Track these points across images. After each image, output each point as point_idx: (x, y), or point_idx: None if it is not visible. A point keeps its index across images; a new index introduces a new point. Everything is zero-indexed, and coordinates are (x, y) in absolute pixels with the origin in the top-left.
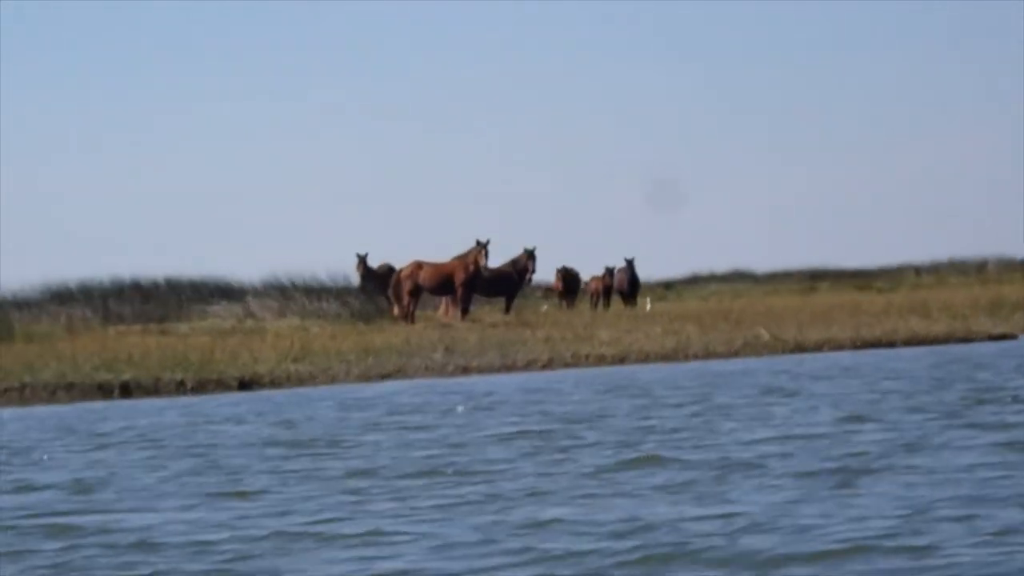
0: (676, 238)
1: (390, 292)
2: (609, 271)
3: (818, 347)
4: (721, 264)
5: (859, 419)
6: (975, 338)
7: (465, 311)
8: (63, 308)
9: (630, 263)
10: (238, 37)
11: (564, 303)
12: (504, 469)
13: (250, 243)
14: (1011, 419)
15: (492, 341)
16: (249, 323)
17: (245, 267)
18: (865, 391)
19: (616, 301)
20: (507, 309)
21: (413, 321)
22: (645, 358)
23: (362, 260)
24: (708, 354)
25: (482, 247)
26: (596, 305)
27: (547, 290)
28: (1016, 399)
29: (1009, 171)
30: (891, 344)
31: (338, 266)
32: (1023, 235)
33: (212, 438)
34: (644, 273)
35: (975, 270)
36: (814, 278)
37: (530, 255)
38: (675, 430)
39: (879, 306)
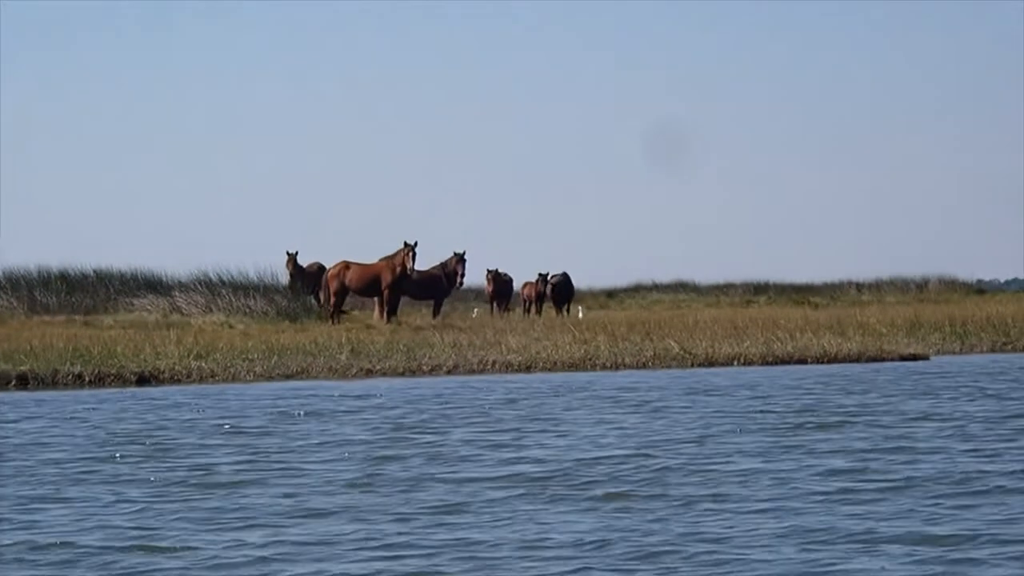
0: (622, 246)
1: (320, 292)
2: (542, 277)
3: (728, 361)
4: (666, 274)
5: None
6: (887, 357)
7: (391, 313)
8: None
9: (564, 273)
10: (169, 33)
11: (496, 308)
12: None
13: (181, 238)
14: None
15: (400, 344)
16: (175, 317)
17: (175, 261)
18: (701, 410)
19: (549, 308)
20: (435, 312)
21: (338, 321)
22: (552, 366)
23: (292, 258)
24: (616, 365)
25: (409, 249)
26: (528, 311)
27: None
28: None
29: (955, 193)
30: (802, 361)
31: (267, 263)
32: (964, 256)
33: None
34: (589, 280)
35: (916, 288)
36: (757, 291)
37: (460, 259)
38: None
39: (796, 322)
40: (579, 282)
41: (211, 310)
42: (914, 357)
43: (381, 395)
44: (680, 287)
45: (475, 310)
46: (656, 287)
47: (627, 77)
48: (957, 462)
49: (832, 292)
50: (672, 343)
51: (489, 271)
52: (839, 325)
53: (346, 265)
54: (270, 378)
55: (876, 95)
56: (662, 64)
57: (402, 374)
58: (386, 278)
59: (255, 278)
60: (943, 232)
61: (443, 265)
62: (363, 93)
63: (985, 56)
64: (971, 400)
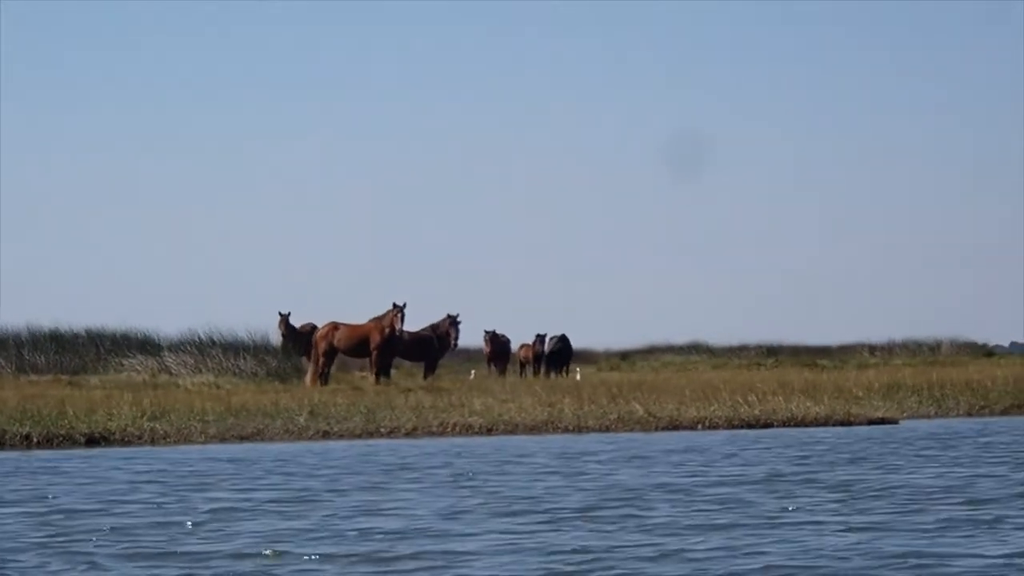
0: (639, 308)
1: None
2: (540, 338)
3: (693, 425)
4: (681, 336)
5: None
6: (855, 421)
7: (379, 374)
8: None
9: (563, 335)
10: (158, 93)
11: (494, 369)
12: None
13: (174, 298)
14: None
15: (360, 406)
16: (163, 378)
17: (168, 322)
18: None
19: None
20: (426, 374)
21: (326, 382)
22: (513, 429)
23: (284, 318)
24: (580, 427)
25: (398, 310)
26: (525, 372)
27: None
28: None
29: (970, 256)
30: (768, 425)
31: (260, 324)
32: (979, 318)
33: None
34: (605, 342)
35: (929, 351)
36: (770, 353)
37: (452, 321)
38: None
39: (771, 384)
40: (595, 344)
41: (200, 370)
42: (883, 421)
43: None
44: (693, 349)
45: (472, 372)
46: (670, 349)
47: (639, 131)
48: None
49: (844, 354)
50: (637, 406)
51: (487, 332)
52: (814, 389)
53: (335, 326)
54: (223, 440)
55: (898, 158)
56: (673, 120)
57: (359, 436)
58: (375, 339)
59: (246, 338)
60: (960, 294)
61: (434, 327)
62: (355, 151)
63: (1010, 120)
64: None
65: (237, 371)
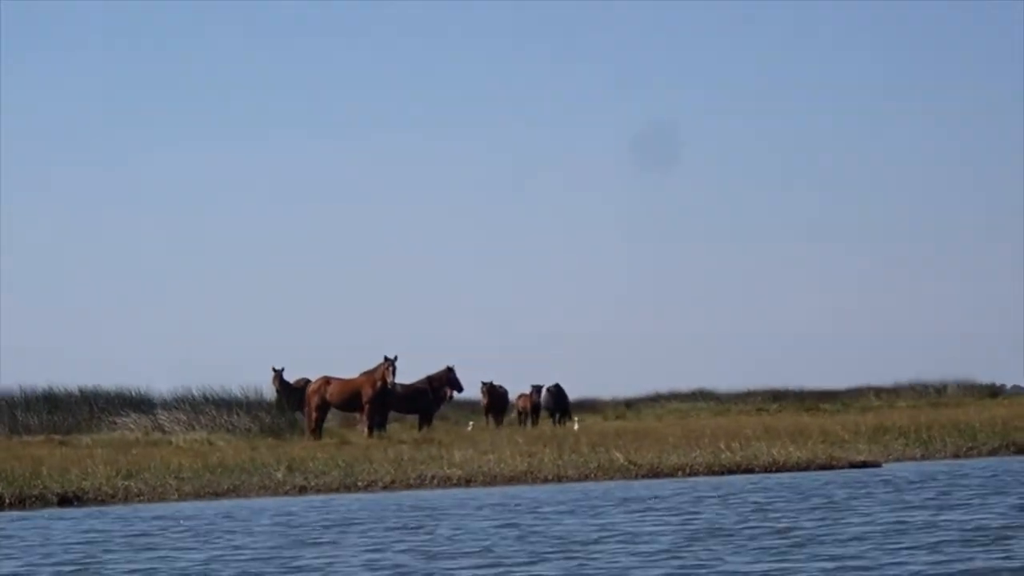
0: (643, 357)
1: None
2: (536, 388)
3: (673, 472)
4: (687, 383)
5: None
6: (837, 465)
7: (372, 428)
8: None
9: (557, 384)
10: (151, 145)
11: (491, 420)
12: None
13: (165, 355)
14: None
15: (339, 460)
16: (156, 435)
17: (161, 379)
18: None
19: (544, 421)
20: (420, 426)
21: (319, 437)
22: (492, 480)
23: (278, 374)
24: (559, 477)
25: (390, 363)
26: (524, 423)
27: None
28: None
29: (977, 298)
30: (749, 470)
31: (252, 380)
32: (984, 360)
33: None
34: (610, 390)
35: (935, 392)
36: (776, 398)
37: (449, 372)
38: None
39: (758, 430)
40: (601, 392)
41: (194, 427)
42: (865, 464)
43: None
44: (699, 396)
45: (470, 423)
46: (675, 396)
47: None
48: None
49: (850, 398)
50: (617, 454)
51: (484, 383)
52: (800, 434)
53: (327, 380)
54: (199, 496)
55: (905, 198)
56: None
57: (337, 490)
58: (367, 392)
59: (239, 395)
60: (966, 335)
61: (429, 379)
62: (347, 201)
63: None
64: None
65: (231, 427)
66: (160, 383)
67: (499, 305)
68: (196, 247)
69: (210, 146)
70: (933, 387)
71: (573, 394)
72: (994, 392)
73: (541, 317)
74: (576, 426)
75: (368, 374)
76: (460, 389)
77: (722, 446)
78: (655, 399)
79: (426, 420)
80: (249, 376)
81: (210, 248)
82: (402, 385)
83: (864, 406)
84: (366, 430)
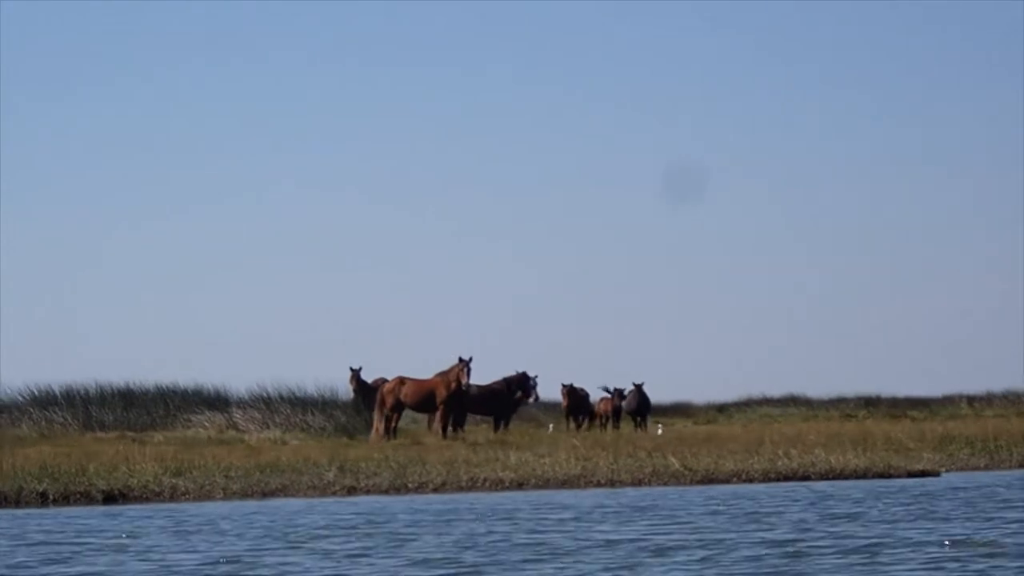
0: (735, 360)
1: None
2: (618, 391)
3: (728, 478)
4: (778, 388)
5: None
6: (894, 474)
7: (446, 428)
8: (45, 413)
9: (639, 386)
10: (210, 139)
11: (572, 423)
12: None
13: (243, 353)
14: None
15: (391, 461)
16: (230, 433)
17: (238, 378)
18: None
19: (627, 424)
20: (496, 428)
21: (394, 436)
22: (545, 484)
23: (355, 373)
24: (613, 481)
25: (464, 364)
26: (605, 426)
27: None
28: None
29: None
30: (806, 477)
31: (328, 379)
32: None
33: None
34: (704, 394)
35: None
36: (868, 405)
37: (523, 376)
38: None
39: (824, 435)
40: (695, 397)
41: (268, 426)
42: (923, 473)
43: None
44: (791, 401)
45: (550, 426)
46: (767, 401)
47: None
48: None
49: (941, 406)
50: (673, 459)
51: (564, 386)
52: (864, 440)
53: (401, 381)
54: (248, 496)
55: (989, 200)
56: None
57: (387, 492)
58: (441, 393)
59: (314, 394)
60: None
61: (507, 381)
62: (425, 200)
63: None
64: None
65: (305, 426)
66: (237, 382)
67: (591, 306)
68: (277, 243)
69: (285, 134)
70: None
71: (665, 398)
72: None
73: (637, 322)
74: (660, 430)
75: (443, 375)
76: (530, 395)
77: (780, 452)
78: (747, 404)
79: (502, 422)
80: (326, 375)
81: (292, 245)
82: (478, 386)
83: (952, 414)
84: (440, 431)
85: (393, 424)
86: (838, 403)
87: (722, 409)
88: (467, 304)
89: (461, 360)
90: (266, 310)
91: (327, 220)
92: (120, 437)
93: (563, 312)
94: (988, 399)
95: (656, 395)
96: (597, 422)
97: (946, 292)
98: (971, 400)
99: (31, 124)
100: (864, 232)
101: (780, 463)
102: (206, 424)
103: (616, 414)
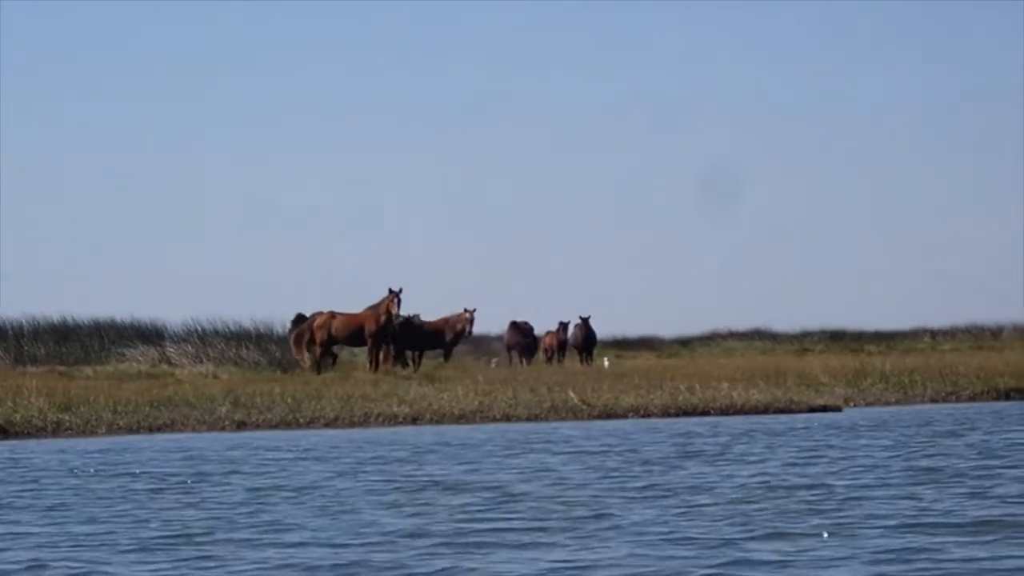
0: (706, 295)
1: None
2: (563, 326)
3: (626, 413)
4: (755, 323)
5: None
6: (796, 408)
7: (375, 361)
8: None
9: (585, 320)
10: (156, 81)
11: (518, 358)
12: None
13: (179, 287)
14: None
15: (286, 397)
16: (163, 367)
17: (177, 312)
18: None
19: (572, 358)
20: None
21: (325, 369)
22: (440, 419)
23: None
24: (509, 417)
25: (394, 295)
26: (551, 360)
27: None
28: None
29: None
30: (706, 412)
31: (266, 313)
32: None
33: None
34: (663, 328)
35: (991, 335)
36: (833, 339)
37: (464, 311)
38: None
39: (734, 371)
40: (660, 331)
41: (201, 360)
42: (824, 408)
43: None
44: (756, 335)
45: (493, 360)
46: (732, 335)
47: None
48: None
49: (906, 340)
50: (572, 395)
51: (510, 323)
52: (778, 376)
53: (332, 315)
54: (135, 431)
55: (954, 141)
56: (721, 107)
57: (277, 426)
58: (370, 327)
59: (250, 328)
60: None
61: (445, 320)
62: (370, 127)
63: None
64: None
65: (239, 361)
66: (175, 316)
67: (561, 241)
68: (212, 181)
69: (215, 79)
70: (989, 330)
71: (634, 331)
72: None
73: (602, 254)
74: (606, 363)
75: (373, 308)
76: (465, 330)
77: (683, 387)
78: (711, 338)
79: (447, 357)
80: (264, 310)
81: (231, 184)
82: (424, 322)
83: (910, 348)
84: (370, 364)
85: (322, 359)
86: (802, 337)
87: (686, 343)
88: (430, 240)
89: (391, 291)
90: (211, 245)
91: (259, 153)
92: (49, 372)
93: (530, 246)
94: (952, 333)
95: (625, 329)
96: (542, 356)
97: (915, 225)
98: (935, 334)
99: None
100: (834, 166)
101: (681, 398)
102: (139, 358)
103: (561, 348)
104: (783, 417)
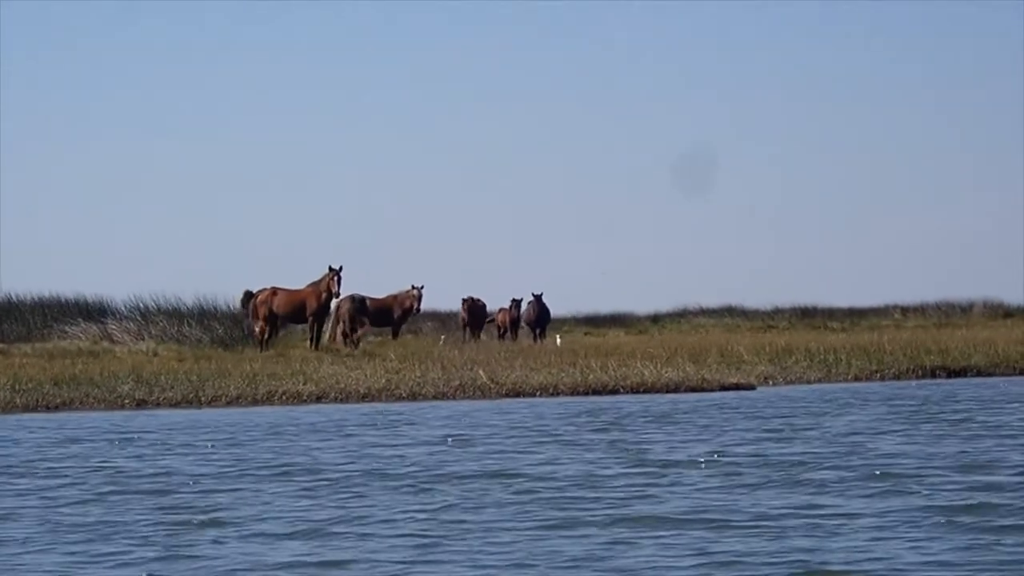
0: (674, 272)
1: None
2: (516, 303)
3: (534, 392)
4: (715, 299)
5: None
6: (708, 387)
7: (315, 338)
8: None
9: (538, 296)
10: (102, 58)
11: (470, 334)
12: None
13: (122, 263)
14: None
15: (191, 374)
16: (104, 345)
17: (121, 290)
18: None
19: (525, 335)
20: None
21: (268, 348)
22: (345, 397)
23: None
24: (415, 395)
25: (334, 273)
26: (503, 337)
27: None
28: None
29: (1004, 220)
30: (615, 391)
31: (211, 290)
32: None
33: None
34: (645, 304)
35: (961, 312)
36: (805, 315)
37: (412, 288)
38: None
39: (661, 350)
40: (635, 307)
41: (143, 337)
42: (737, 387)
43: None
44: (727, 312)
45: (442, 338)
46: (703, 312)
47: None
48: None
49: (876, 316)
50: (481, 373)
51: (464, 299)
52: (699, 354)
53: (274, 291)
54: (30, 410)
55: (927, 123)
56: (697, 87)
57: (178, 405)
58: (311, 304)
59: (192, 305)
60: (996, 256)
61: (394, 296)
62: (329, 109)
63: None
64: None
65: (181, 338)
66: (120, 293)
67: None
68: (173, 156)
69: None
70: (960, 307)
71: (607, 308)
72: (1008, 313)
73: (575, 230)
74: (559, 341)
75: (314, 285)
76: (413, 307)
77: (595, 365)
78: (681, 314)
79: (395, 335)
80: (206, 287)
81: (188, 159)
82: (371, 300)
83: (874, 325)
84: (310, 341)
85: (268, 335)
86: (773, 314)
87: (656, 319)
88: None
89: (331, 269)
90: (160, 222)
91: (210, 127)
92: None
93: (504, 224)
94: (922, 310)
95: (598, 305)
96: (495, 333)
97: (888, 202)
98: (905, 311)
99: None
100: (806, 144)
101: (592, 376)
102: (81, 336)
103: (514, 325)
104: (690, 396)
